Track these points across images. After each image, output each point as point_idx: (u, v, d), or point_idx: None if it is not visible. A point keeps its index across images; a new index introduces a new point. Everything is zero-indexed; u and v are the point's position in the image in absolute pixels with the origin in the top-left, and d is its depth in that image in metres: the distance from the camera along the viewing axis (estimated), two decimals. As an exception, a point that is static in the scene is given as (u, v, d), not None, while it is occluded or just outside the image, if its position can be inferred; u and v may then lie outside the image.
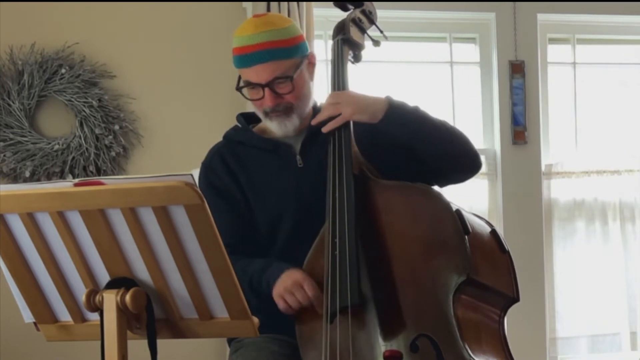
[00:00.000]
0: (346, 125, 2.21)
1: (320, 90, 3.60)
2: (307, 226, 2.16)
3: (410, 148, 2.21)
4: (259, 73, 2.20)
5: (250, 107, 2.40)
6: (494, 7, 3.96)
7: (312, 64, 2.32)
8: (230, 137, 2.38)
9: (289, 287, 2.07)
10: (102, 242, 1.62)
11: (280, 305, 2.08)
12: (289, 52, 2.22)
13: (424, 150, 2.20)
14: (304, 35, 2.37)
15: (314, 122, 2.23)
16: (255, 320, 1.67)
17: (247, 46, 2.20)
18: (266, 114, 2.25)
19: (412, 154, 2.21)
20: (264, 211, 2.26)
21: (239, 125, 2.40)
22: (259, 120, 2.35)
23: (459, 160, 2.25)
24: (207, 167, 2.34)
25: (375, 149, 2.25)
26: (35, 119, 3.57)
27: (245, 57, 2.21)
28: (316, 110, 2.35)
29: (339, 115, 2.18)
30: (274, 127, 2.27)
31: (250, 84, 2.22)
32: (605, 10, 4.03)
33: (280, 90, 2.21)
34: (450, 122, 3.90)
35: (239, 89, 2.26)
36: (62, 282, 1.69)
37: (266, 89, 2.20)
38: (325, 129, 2.20)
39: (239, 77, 2.26)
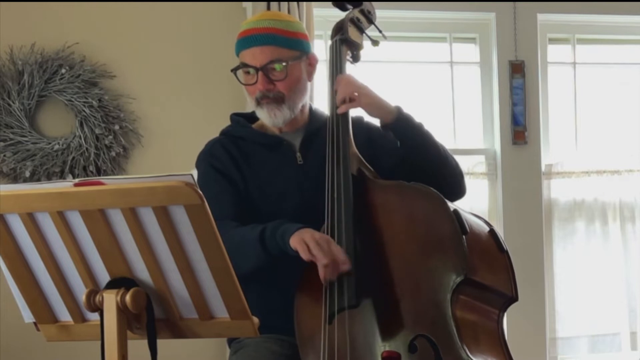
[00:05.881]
0: (345, 125, 2.22)
1: (320, 91, 3.60)
2: (307, 222, 2.15)
3: (406, 160, 2.25)
4: (255, 55, 2.23)
5: (249, 108, 2.40)
6: (494, 7, 3.95)
7: (311, 65, 2.33)
8: (229, 133, 2.37)
9: (316, 237, 2.01)
10: (102, 242, 1.62)
11: (301, 249, 1.99)
12: (289, 42, 2.24)
13: (420, 163, 2.24)
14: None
15: (339, 98, 2.25)
16: (255, 320, 1.67)
17: (249, 29, 2.25)
18: (257, 101, 2.26)
19: (403, 167, 2.25)
20: (264, 206, 2.26)
21: (235, 122, 2.39)
22: (254, 121, 2.36)
23: (447, 180, 2.29)
24: (208, 153, 2.33)
25: (370, 156, 2.27)
26: (35, 119, 3.57)
27: (246, 39, 2.25)
28: (313, 112, 2.37)
29: (353, 101, 2.23)
30: (263, 115, 2.27)
31: (246, 65, 2.24)
32: (605, 10, 4.03)
33: (273, 76, 2.23)
34: (450, 121, 3.99)
35: (234, 70, 2.28)
36: (62, 282, 1.69)
37: (259, 73, 2.22)
38: (340, 111, 2.23)
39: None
